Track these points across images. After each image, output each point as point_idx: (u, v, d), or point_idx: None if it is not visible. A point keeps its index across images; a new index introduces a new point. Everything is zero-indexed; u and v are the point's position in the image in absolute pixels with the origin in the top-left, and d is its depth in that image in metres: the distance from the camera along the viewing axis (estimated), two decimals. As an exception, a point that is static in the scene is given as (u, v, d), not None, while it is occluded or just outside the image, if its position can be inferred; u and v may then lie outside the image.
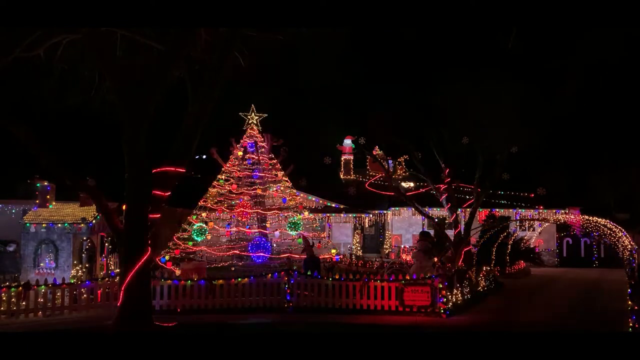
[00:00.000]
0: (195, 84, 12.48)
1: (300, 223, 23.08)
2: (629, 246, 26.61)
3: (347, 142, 35.90)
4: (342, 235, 32.99)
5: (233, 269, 21.35)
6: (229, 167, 24.89)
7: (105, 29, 11.01)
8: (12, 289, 13.77)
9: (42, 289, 14.07)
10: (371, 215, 32.77)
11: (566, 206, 32.77)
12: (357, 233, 32.81)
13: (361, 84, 32.50)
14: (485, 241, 23.90)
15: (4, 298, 13.61)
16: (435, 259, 17.66)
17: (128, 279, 11.71)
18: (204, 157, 30.16)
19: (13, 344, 8.70)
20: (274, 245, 23.59)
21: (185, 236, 22.76)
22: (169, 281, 14.81)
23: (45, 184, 19.93)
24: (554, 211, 32.58)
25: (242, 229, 23.64)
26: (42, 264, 18.68)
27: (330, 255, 23.02)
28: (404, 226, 33.78)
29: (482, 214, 27.61)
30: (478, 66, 21.16)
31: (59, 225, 18.85)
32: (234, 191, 24.13)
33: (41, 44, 11.01)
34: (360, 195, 30.23)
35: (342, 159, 36.39)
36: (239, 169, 24.84)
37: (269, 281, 15.15)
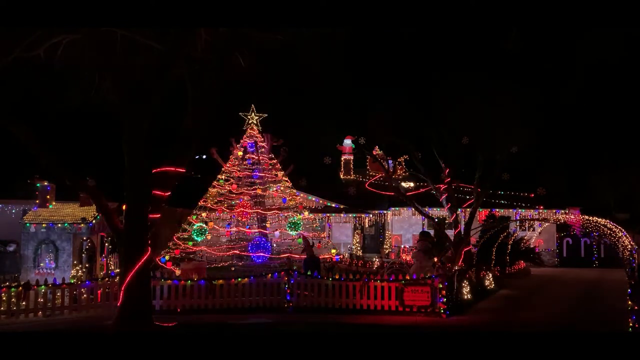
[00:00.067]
0: (195, 84, 12.48)
1: (300, 223, 23.08)
2: (629, 246, 26.61)
3: (347, 142, 35.89)
4: (342, 235, 32.99)
5: (233, 269, 21.36)
6: (229, 167, 24.89)
7: (105, 29, 11.00)
8: (12, 289, 13.78)
9: (42, 289, 14.07)
10: (371, 215, 32.76)
11: (566, 206, 32.76)
12: (357, 233, 32.80)
13: (361, 84, 32.45)
14: (485, 241, 23.87)
15: (4, 298, 13.61)
16: (435, 259, 17.65)
17: (128, 279, 11.71)
18: (204, 157, 30.15)
19: (13, 344, 8.70)
20: (274, 245, 23.59)
21: (185, 236, 22.76)
22: (169, 281, 14.81)
23: (45, 184, 19.92)
24: (554, 211, 32.56)
25: (242, 229, 23.63)
26: (42, 264, 18.67)
27: (330, 255, 23.02)
28: (404, 226, 33.77)
29: (482, 214, 27.59)
30: (478, 66, 21.16)
31: (59, 225, 18.84)
32: (234, 191, 24.13)
33: (41, 44, 11.00)
34: (360, 195, 30.19)
35: (342, 159, 36.38)
36: (239, 169, 24.84)
37: (269, 281, 15.15)
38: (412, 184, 33.11)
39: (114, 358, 8.38)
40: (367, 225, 33.45)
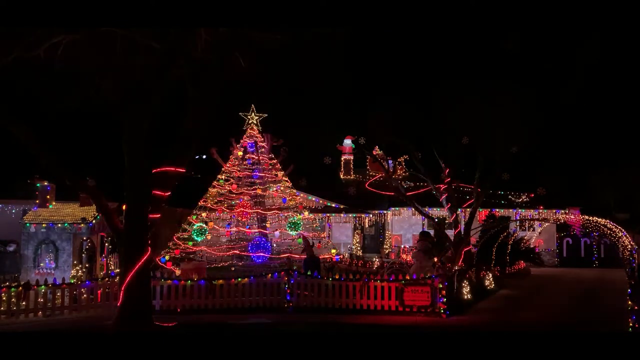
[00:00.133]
0: (195, 84, 12.48)
1: (300, 223, 23.08)
2: (629, 246, 26.63)
3: (347, 142, 35.89)
4: (342, 235, 32.98)
5: (233, 269, 21.36)
6: (229, 167, 24.89)
7: (105, 29, 11.00)
8: (12, 289, 13.78)
9: (42, 289, 14.07)
10: (371, 215, 32.75)
11: (566, 206, 32.76)
12: (357, 233, 32.80)
13: (361, 84, 32.46)
14: (485, 241, 23.88)
15: (4, 298, 13.61)
16: (435, 259, 17.66)
17: (128, 279, 11.71)
18: (204, 157, 30.16)
19: (13, 344, 8.70)
20: (274, 245, 23.59)
21: (185, 236, 22.77)
22: (169, 281, 14.81)
23: (45, 184, 19.92)
24: (554, 211, 32.56)
25: (242, 229, 23.64)
26: (42, 264, 18.67)
27: (330, 255, 23.02)
28: (404, 226, 33.76)
29: (482, 214, 27.59)
30: (478, 66, 21.17)
31: (59, 225, 18.84)
32: (234, 191, 24.13)
33: (41, 44, 11.00)
34: (360, 195, 30.19)
35: (342, 159, 36.38)
36: (239, 169, 24.84)
37: (269, 281, 15.15)
38: (412, 184, 33.10)
39: (114, 358, 8.38)
40: (367, 225, 33.44)
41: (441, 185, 23.64)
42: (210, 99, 12.71)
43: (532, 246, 31.57)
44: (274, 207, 24.63)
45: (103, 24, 10.50)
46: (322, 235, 25.57)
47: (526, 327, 13.40)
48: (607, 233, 28.89)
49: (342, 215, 32.50)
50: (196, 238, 22.24)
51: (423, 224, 32.40)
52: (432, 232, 25.61)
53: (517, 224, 32.68)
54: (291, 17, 10.28)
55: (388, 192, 28.06)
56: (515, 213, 32.73)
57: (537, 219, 32.41)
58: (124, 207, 12.52)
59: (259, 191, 24.27)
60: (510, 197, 33.58)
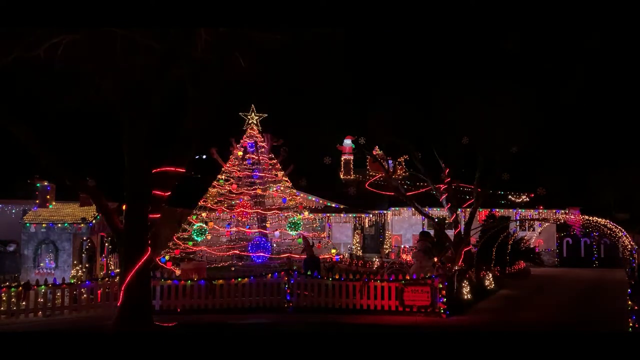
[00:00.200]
0: (195, 84, 12.48)
1: (300, 223, 23.08)
2: (629, 246, 26.63)
3: (347, 142, 35.89)
4: (342, 235, 32.98)
5: (233, 269, 21.36)
6: (229, 167, 24.89)
7: (105, 29, 11.00)
8: (12, 289, 13.78)
9: (42, 289, 14.07)
10: (371, 215, 32.75)
11: (566, 206, 32.77)
12: (357, 233, 32.80)
13: (361, 84, 32.48)
14: (485, 241, 23.87)
15: (4, 298, 13.61)
16: (435, 259, 17.66)
17: (128, 279, 11.71)
18: (204, 157, 30.16)
19: (13, 344, 8.70)
20: (274, 245, 23.59)
21: (185, 236, 22.77)
22: (169, 281, 14.81)
23: (45, 184, 19.92)
24: (554, 211, 32.57)
25: (242, 229, 23.63)
26: (42, 264, 18.68)
27: (330, 255, 23.02)
28: (404, 226, 33.77)
29: (482, 214, 27.59)
30: (478, 66, 21.17)
31: (59, 225, 18.85)
32: (234, 191, 24.13)
33: (41, 44, 11.00)
34: (360, 195, 30.20)
35: (342, 159, 36.38)
36: (239, 169, 24.84)
37: (269, 281, 15.15)
38: (411, 186, 33.10)
39: (114, 358, 8.38)
40: (367, 225, 33.45)
41: (441, 185, 23.64)
42: (210, 99, 12.71)
43: (532, 246, 31.58)
44: (274, 207, 24.63)
45: (103, 24, 10.50)
46: (322, 235, 25.57)
47: (526, 327, 13.40)
48: (607, 233, 28.90)
49: (342, 215, 32.51)
50: (196, 238, 22.24)
51: (423, 224, 32.40)
52: (432, 232, 25.60)
53: (517, 224, 32.68)
54: (291, 17, 10.28)
55: (388, 192, 28.05)
56: (515, 213, 32.73)
57: (537, 219, 32.41)
58: (124, 207, 12.52)
59: (259, 191, 24.28)
60: (510, 197, 33.62)
